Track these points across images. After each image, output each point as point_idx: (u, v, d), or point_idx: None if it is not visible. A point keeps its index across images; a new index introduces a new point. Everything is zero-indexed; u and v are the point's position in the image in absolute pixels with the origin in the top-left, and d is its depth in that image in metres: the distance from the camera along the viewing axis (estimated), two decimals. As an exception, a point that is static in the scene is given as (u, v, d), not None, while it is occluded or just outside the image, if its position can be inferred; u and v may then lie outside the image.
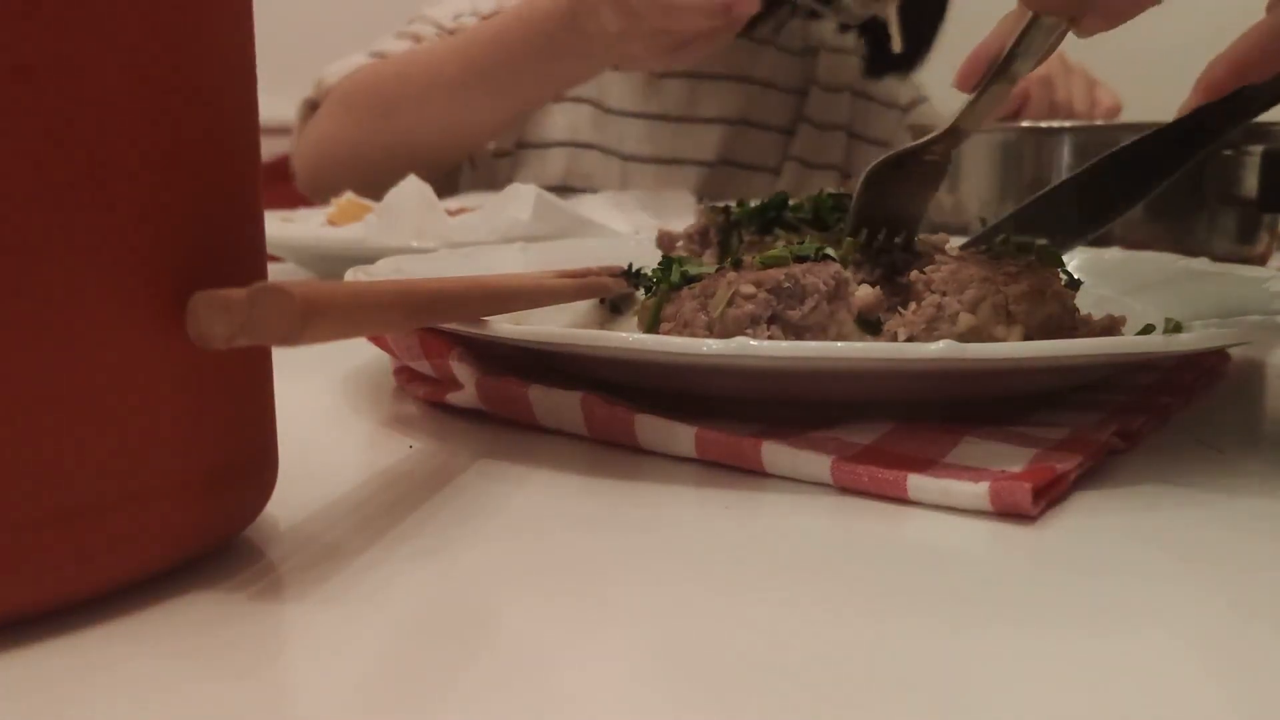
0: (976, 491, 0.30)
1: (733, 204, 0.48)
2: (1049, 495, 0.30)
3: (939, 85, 1.33)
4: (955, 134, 0.44)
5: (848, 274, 0.39)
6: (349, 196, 0.83)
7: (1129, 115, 1.07)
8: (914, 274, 0.40)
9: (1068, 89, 1.05)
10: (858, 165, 1.26)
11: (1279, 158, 0.62)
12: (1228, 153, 0.64)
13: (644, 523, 0.30)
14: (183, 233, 0.24)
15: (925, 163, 0.45)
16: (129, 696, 0.21)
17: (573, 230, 0.70)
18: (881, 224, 0.44)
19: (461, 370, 0.39)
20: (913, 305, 0.39)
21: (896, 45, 1.00)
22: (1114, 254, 0.54)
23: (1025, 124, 0.98)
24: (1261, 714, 0.20)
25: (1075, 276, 0.42)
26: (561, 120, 1.16)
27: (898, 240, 0.44)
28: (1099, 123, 0.99)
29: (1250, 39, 0.44)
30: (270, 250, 0.42)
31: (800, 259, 0.40)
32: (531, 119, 1.14)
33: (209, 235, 0.25)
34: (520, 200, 0.71)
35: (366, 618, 0.24)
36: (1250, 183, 0.63)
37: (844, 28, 1.24)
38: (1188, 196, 0.65)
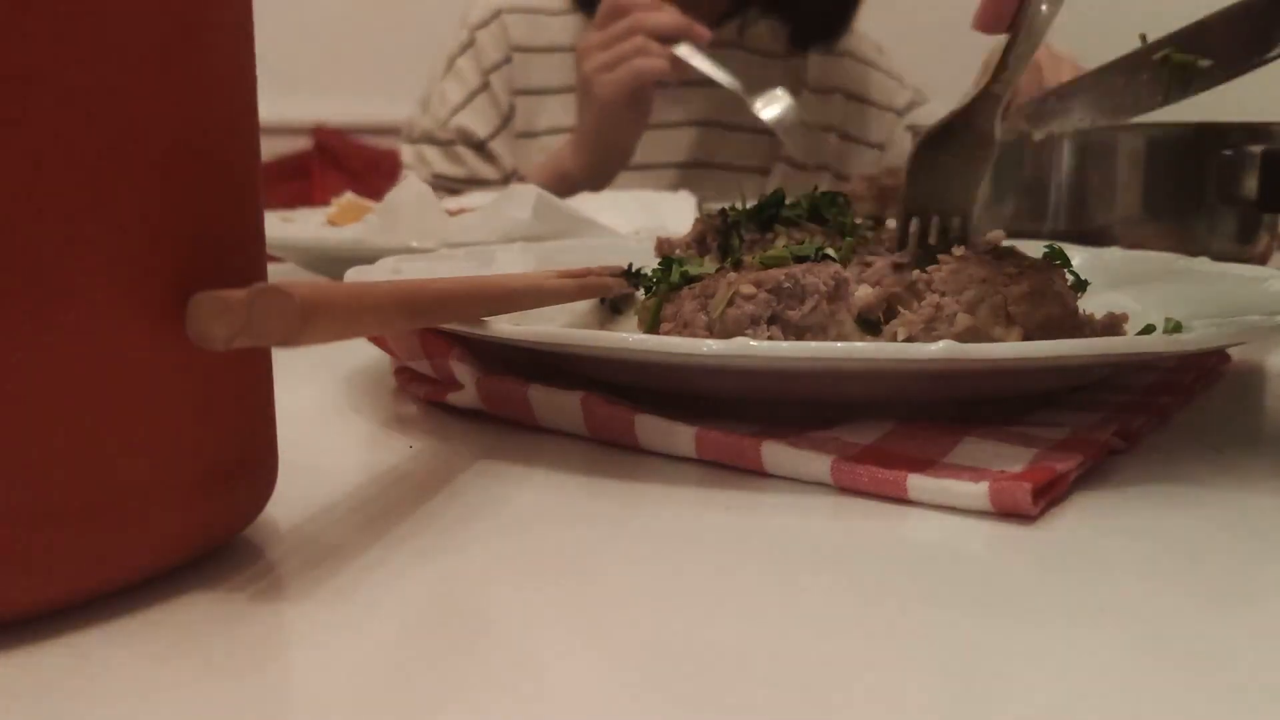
0: (976, 491, 0.30)
1: (728, 206, 0.49)
2: (1049, 495, 0.30)
3: (938, 86, 1.33)
4: (990, 98, 0.43)
5: (847, 274, 0.39)
6: (349, 196, 0.83)
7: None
8: (916, 273, 0.40)
9: (1056, 76, 1.05)
10: (851, 166, 1.28)
11: (1279, 158, 0.62)
12: (1228, 153, 0.64)
13: (644, 523, 0.30)
14: (183, 233, 0.24)
15: (973, 134, 0.44)
16: (129, 696, 0.21)
17: (573, 230, 0.70)
18: (934, 211, 0.43)
19: (461, 370, 0.39)
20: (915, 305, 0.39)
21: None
22: (1114, 254, 0.54)
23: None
24: (1260, 711, 0.20)
25: (1081, 277, 0.42)
26: (549, 145, 1.21)
27: (952, 231, 0.43)
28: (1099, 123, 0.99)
29: None
30: (270, 250, 0.42)
31: (800, 259, 0.40)
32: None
33: (209, 235, 0.25)
34: (520, 200, 0.71)
35: (367, 618, 0.24)
36: (1250, 183, 0.63)
37: (764, 12, 1.27)
38: (1188, 196, 0.65)
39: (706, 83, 1.17)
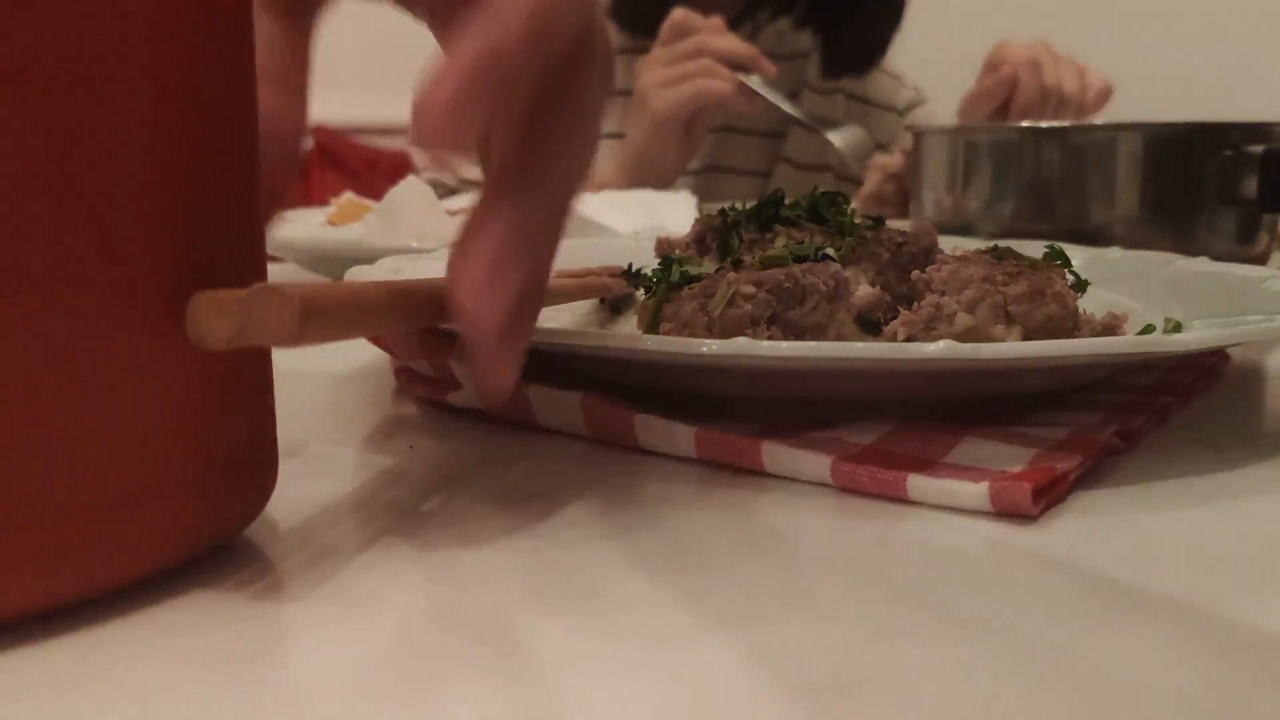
0: (976, 491, 0.30)
1: (728, 206, 0.49)
2: (1049, 495, 0.30)
3: (937, 87, 1.34)
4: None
5: (848, 274, 0.39)
6: (349, 196, 0.83)
7: (1121, 114, 1.08)
8: (915, 273, 0.40)
9: (1057, 73, 1.05)
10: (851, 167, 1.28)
11: (1279, 158, 0.62)
12: (1228, 153, 0.64)
13: (644, 523, 0.30)
14: (183, 233, 0.24)
15: None
16: (129, 696, 0.21)
17: (572, 230, 0.69)
18: None
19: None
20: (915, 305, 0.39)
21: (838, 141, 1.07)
22: (1114, 254, 0.54)
23: (1025, 124, 0.98)
24: (1259, 709, 0.20)
25: (1081, 277, 0.42)
26: None
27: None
28: (1099, 122, 0.99)
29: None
30: (270, 250, 0.42)
31: (800, 259, 0.40)
32: None
33: (209, 235, 0.25)
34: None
35: (366, 618, 0.24)
36: (1250, 183, 0.63)
37: (798, 26, 1.26)
38: (1188, 196, 0.65)
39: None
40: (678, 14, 1.07)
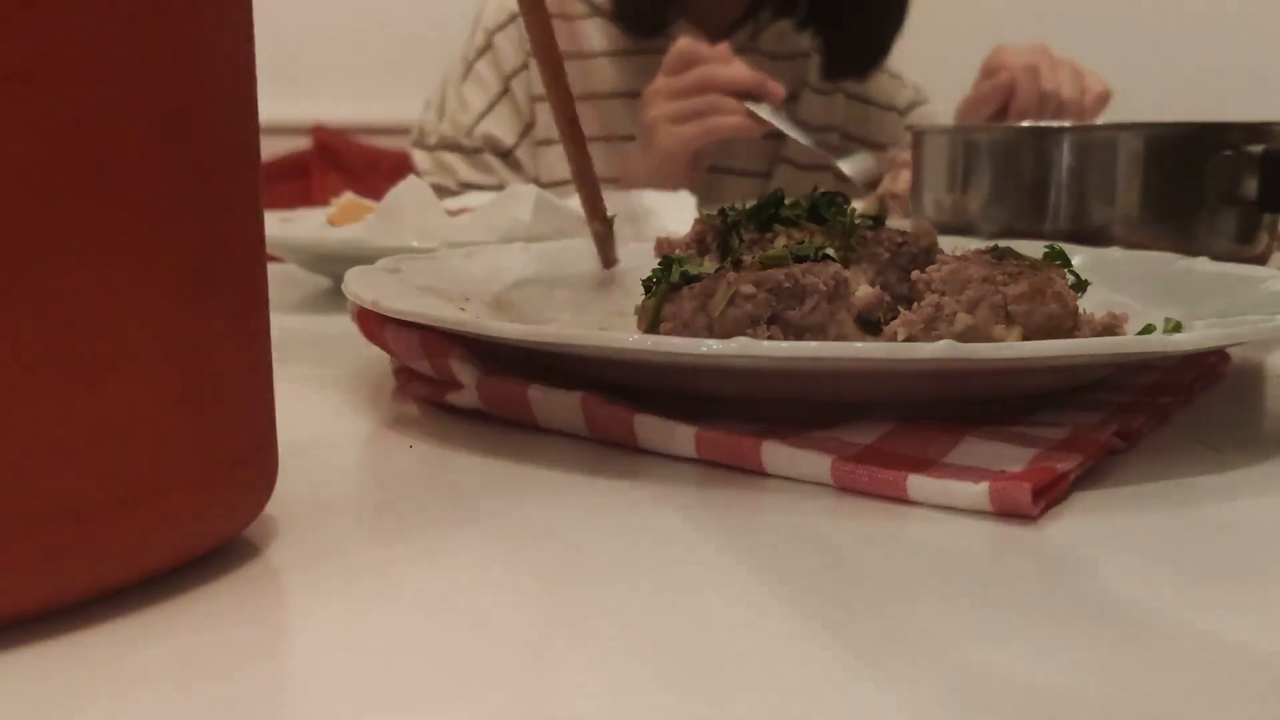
0: (976, 491, 0.30)
1: (728, 207, 0.49)
2: (1049, 495, 0.30)
3: (937, 87, 1.34)
4: None
5: (848, 274, 0.39)
6: (349, 196, 0.83)
7: (1121, 114, 1.08)
8: (915, 273, 0.40)
9: (1054, 78, 1.05)
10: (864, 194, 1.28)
11: (1279, 158, 0.62)
12: (1228, 153, 0.64)
13: (643, 523, 0.30)
14: (182, 233, 0.24)
15: None
16: (129, 696, 0.21)
17: (573, 230, 0.70)
18: None
19: (462, 370, 0.39)
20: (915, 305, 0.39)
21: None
22: (1114, 254, 0.54)
23: (1025, 124, 0.98)
24: (1256, 709, 0.20)
25: (1082, 277, 0.42)
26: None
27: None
28: (1099, 123, 0.99)
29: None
30: (270, 250, 0.42)
31: (800, 259, 0.39)
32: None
33: (209, 235, 0.25)
34: (520, 200, 0.71)
35: (366, 618, 0.24)
36: (1250, 183, 0.63)
37: (799, 27, 1.26)
38: (1188, 196, 0.65)
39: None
40: (683, 44, 1.06)
